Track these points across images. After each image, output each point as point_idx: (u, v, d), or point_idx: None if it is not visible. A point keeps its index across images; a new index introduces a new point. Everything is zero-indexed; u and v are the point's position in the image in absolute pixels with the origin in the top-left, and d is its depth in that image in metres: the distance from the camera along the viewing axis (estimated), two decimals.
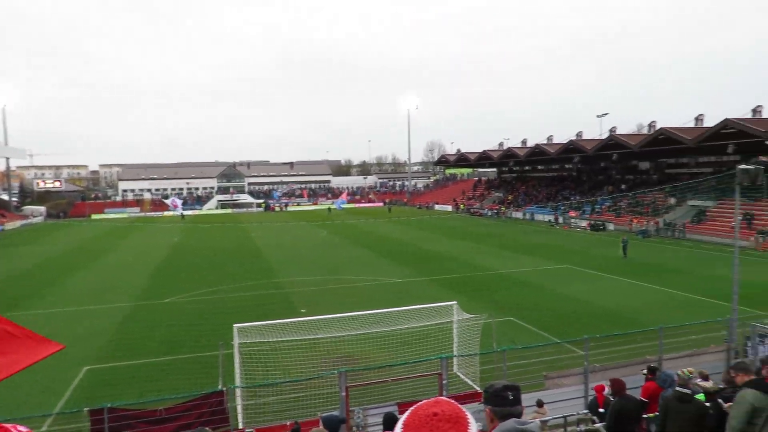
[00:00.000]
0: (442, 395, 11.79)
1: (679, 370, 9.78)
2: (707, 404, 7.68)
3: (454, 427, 1.46)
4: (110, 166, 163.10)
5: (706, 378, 10.49)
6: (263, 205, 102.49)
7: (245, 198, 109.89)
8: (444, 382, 11.86)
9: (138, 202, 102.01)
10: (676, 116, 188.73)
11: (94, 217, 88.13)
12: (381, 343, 16.42)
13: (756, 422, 5.89)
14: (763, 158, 52.62)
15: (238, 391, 12.58)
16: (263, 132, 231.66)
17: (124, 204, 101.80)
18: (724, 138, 44.12)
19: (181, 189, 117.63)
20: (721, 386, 9.03)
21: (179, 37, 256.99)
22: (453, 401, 1.57)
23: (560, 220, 59.08)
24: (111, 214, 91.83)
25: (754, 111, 50.92)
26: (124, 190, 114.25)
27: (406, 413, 1.54)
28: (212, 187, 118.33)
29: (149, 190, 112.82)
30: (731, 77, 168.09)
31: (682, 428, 7.07)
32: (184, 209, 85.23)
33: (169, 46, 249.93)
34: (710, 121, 52.39)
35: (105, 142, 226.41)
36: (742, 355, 14.09)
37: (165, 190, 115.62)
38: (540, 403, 11.65)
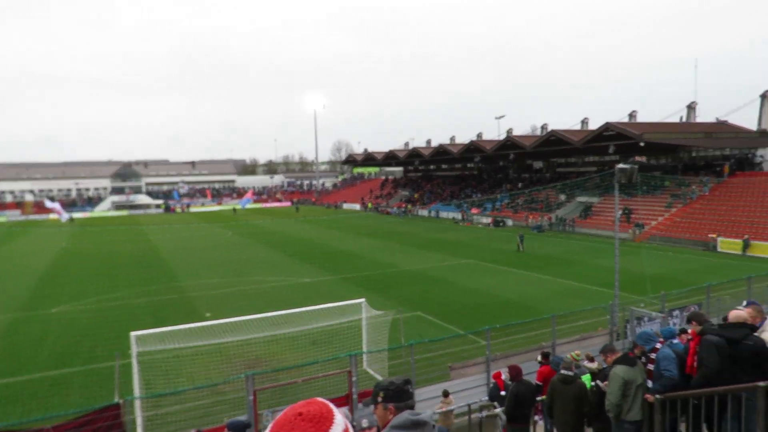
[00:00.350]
0: (352, 392, 11.92)
1: (568, 354, 10.63)
2: (593, 384, 8.45)
3: (315, 426, 1.51)
4: None
5: (591, 360, 11.49)
6: (163, 206, 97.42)
7: (143, 199, 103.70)
8: (354, 379, 11.99)
9: (18, 205, 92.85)
10: (566, 119, 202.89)
11: None
12: (291, 343, 16.28)
13: (629, 393, 6.59)
14: (639, 158, 58.12)
15: (137, 403, 11.92)
16: (161, 130, 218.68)
17: (1, 207, 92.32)
18: (606, 139, 48.27)
19: (69, 190, 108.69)
20: (604, 366, 9.92)
21: (61, 23, 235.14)
22: (327, 402, 1.60)
23: (465, 217, 61.55)
24: None
25: (630, 115, 56.21)
26: (1, 192, 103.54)
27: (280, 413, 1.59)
28: (105, 188, 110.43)
29: (31, 191, 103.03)
30: (612, 84, 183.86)
31: (566, 407, 7.75)
32: (72, 211, 78.85)
33: (48, 31, 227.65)
34: (594, 124, 57.21)
35: None
36: (623, 337, 15.56)
37: (50, 191, 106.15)
38: (446, 394, 12.14)
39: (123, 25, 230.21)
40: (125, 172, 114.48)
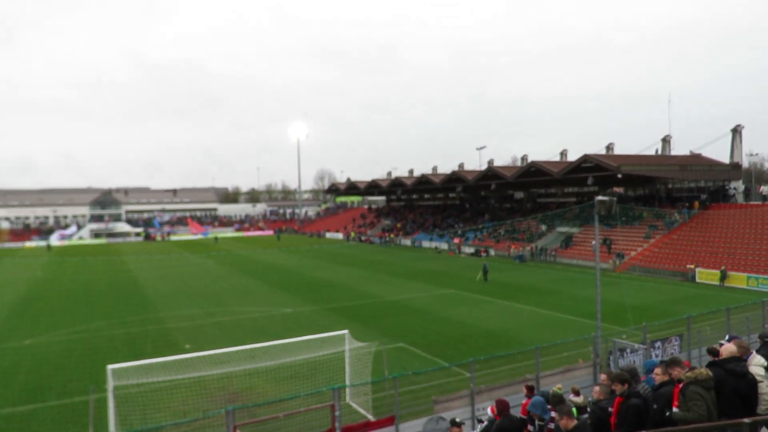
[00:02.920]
0: (335, 427, 11.70)
1: (551, 387, 10.61)
2: (584, 416, 8.42)
3: None
4: None
5: (577, 393, 11.43)
6: (143, 234, 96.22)
7: (122, 227, 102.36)
8: (337, 413, 11.77)
9: None
10: (544, 150, 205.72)
11: None
12: (272, 376, 15.99)
13: None
14: (616, 189, 59.20)
15: None
16: (140, 158, 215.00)
17: None
18: (584, 171, 49.13)
19: (47, 217, 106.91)
20: (590, 399, 9.88)
21: (31, 48, 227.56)
22: None
23: (447, 246, 61.73)
24: None
25: (608, 148, 57.43)
26: None
27: None
28: (83, 215, 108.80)
29: (7, 219, 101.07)
30: (589, 117, 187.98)
31: None
32: (48, 238, 77.24)
33: (17, 56, 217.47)
34: (573, 156, 58.30)
35: None
36: (605, 368, 15.55)
37: (27, 218, 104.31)
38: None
39: (93, 52, 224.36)
40: (105, 200, 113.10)
